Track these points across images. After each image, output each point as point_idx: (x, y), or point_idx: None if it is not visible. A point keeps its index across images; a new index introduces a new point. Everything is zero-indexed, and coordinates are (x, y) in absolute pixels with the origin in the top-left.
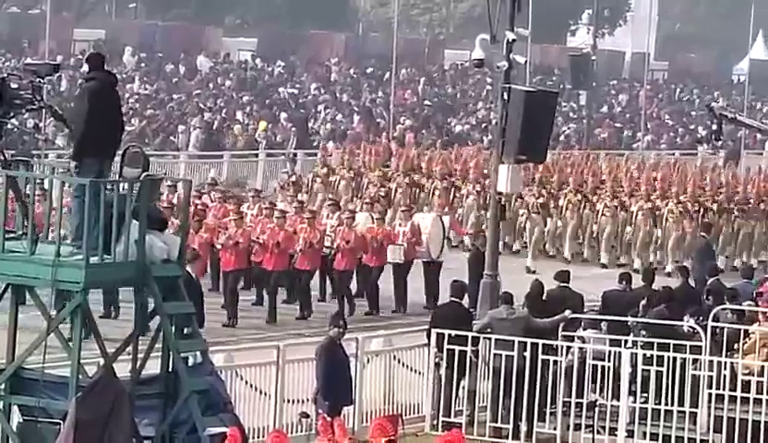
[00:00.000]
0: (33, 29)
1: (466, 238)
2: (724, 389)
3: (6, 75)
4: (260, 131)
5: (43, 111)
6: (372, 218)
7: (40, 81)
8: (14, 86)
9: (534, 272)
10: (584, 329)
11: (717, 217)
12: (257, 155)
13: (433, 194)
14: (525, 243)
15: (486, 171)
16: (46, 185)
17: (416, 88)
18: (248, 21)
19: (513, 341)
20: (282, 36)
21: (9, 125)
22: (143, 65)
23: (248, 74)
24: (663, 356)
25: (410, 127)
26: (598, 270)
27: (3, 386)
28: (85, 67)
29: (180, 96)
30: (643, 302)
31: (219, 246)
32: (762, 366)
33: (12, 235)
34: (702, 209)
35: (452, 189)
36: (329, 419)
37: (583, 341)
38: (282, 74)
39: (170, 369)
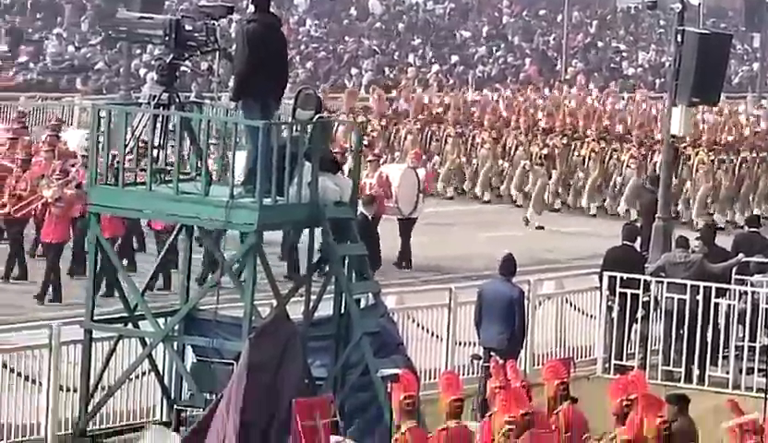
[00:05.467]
0: None
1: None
2: None
3: (180, 17)
4: (432, 74)
5: (217, 53)
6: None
7: (214, 23)
8: (188, 28)
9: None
10: (756, 274)
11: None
12: None
13: (445, 141)
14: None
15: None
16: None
17: (588, 30)
18: None
19: (686, 285)
20: None
21: (183, 68)
22: (315, 7)
23: (420, 16)
24: None
25: (582, 70)
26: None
27: (177, 327)
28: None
29: (352, 38)
30: None
31: None
32: None
33: (186, 177)
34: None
35: (467, 137)
36: (501, 362)
37: (753, 286)
38: (454, 16)
39: (342, 311)
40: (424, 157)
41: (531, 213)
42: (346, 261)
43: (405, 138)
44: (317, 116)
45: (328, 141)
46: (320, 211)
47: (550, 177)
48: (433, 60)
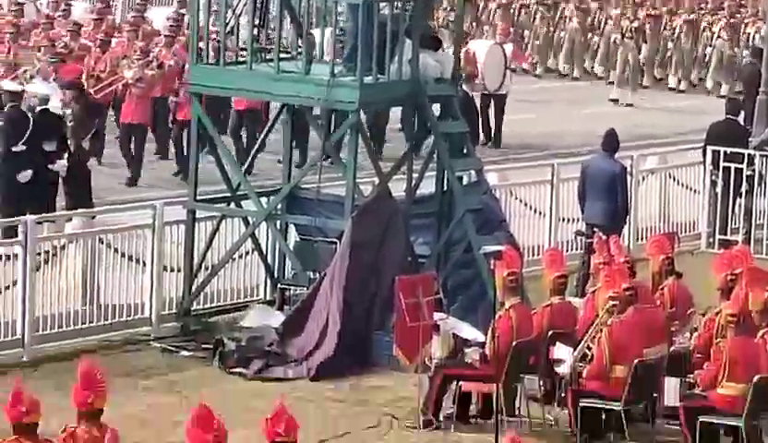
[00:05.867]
0: None
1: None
2: None
3: None
4: None
5: None
6: None
7: None
8: None
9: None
10: None
11: None
12: None
13: (535, 16)
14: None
15: None
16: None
17: None
18: None
19: None
20: None
21: None
22: None
23: None
24: None
25: None
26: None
27: (280, 206)
28: None
29: None
30: None
31: None
32: None
33: (287, 56)
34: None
35: (556, 11)
36: (604, 237)
37: None
38: None
39: (445, 188)
40: (511, 32)
41: (620, 91)
42: (448, 138)
43: (494, 13)
44: None
45: (428, 18)
46: (421, 89)
47: (640, 51)
48: None
